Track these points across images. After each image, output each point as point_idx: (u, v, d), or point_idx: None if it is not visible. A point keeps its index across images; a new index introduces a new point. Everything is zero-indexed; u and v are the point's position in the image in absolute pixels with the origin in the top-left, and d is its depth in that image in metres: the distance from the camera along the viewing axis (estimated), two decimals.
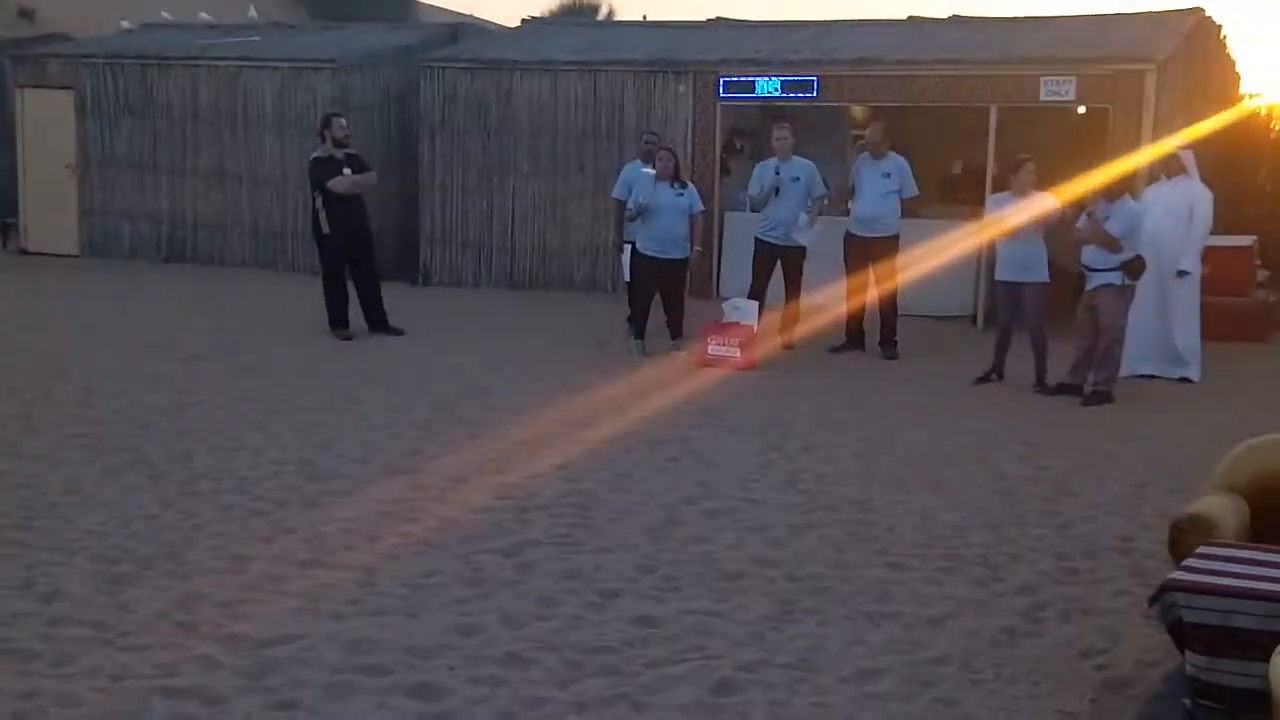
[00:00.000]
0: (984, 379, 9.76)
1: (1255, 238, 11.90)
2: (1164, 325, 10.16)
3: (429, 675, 4.39)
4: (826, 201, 11.22)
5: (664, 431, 8.03)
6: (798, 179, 10.78)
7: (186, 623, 4.79)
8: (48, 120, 16.37)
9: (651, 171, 10.59)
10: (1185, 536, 4.52)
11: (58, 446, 7.26)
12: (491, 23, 21.87)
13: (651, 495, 6.63)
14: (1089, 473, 7.26)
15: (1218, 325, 10.65)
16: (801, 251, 10.84)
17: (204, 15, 18.62)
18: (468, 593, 5.19)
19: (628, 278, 11.15)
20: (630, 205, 10.65)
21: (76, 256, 16.29)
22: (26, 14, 31.19)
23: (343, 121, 11.25)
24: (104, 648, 4.54)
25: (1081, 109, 12.84)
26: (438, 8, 37.19)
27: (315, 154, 11.20)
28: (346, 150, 11.16)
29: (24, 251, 16.55)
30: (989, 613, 5.17)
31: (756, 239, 11.10)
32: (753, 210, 11.21)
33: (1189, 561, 4.21)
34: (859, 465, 7.35)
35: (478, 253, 14.59)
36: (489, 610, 5.00)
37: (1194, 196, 10.15)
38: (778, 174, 10.71)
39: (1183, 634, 3.98)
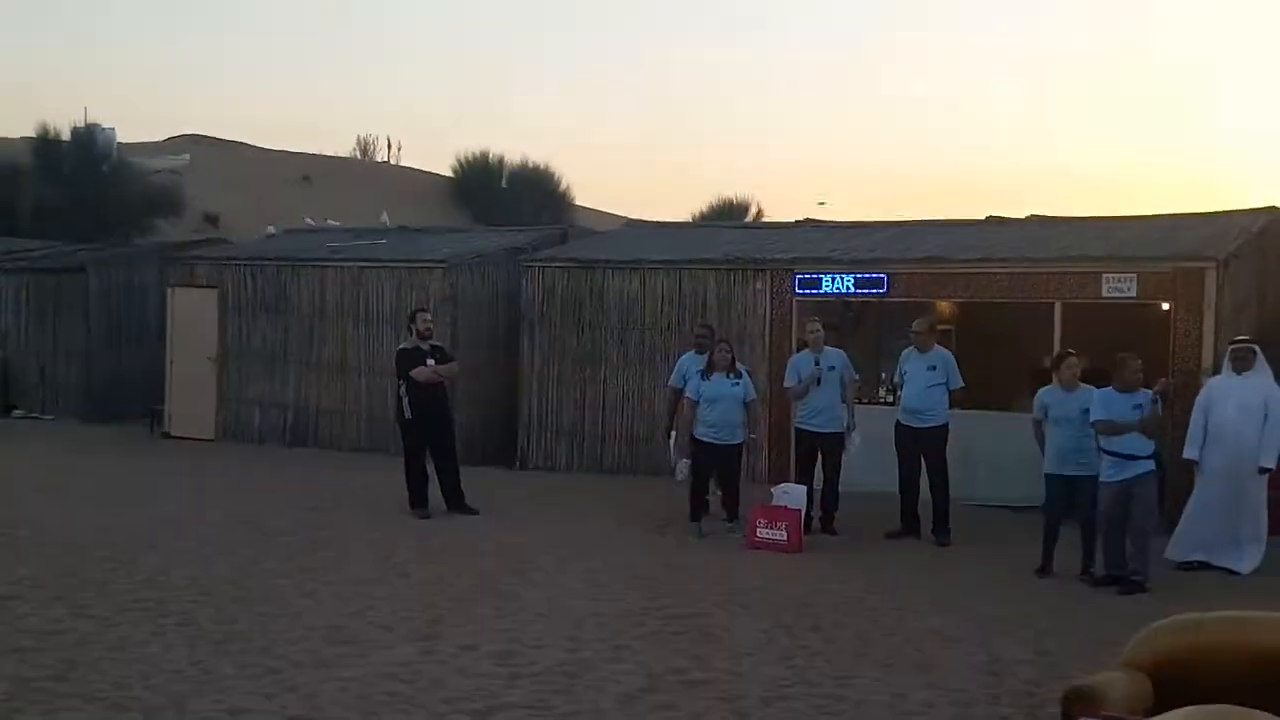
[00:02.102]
0: (1045, 571, 9.79)
1: None
2: (1230, 518, 10.15)
3: None
4: (859, 385, 11.78)
5: (684, 608, 8.39)
6: (833, 368, 11.26)
7: None
8: (193, 317, 17.86)
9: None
10: (1072, 707, 4.71)
11: (122, 609, 7.97)
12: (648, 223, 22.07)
13: (642, 665, 6.98)
14: (1087, 659, 7.28)
15: None
16: (840, 438, 11.23)
17: (331, 221, 20.15)
18: None
19: (678, 477, 11.52)
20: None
21: (212, 440, 17.49)
22: (211, 219, 34.02)
23: (427, 316, 12.15)
24: None
25: (1166, 305, 12.96)
26: (595, 210, 39.19)
27: (402, 345, 12.09)
28: (431, 342, 12.00)
29: (166, 435, 17.84)
30: None
31: (797, 428, 11.53)
32: (795, 399, 11.64)
33: None
34: (858, 644, 7.57)
35: (571, 439, 15.26)
36: None
37: (1267, 391, 10.21)
38: (817, 365, 11.18)
39: None
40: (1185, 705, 4.72)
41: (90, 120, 32.65)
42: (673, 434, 11.66)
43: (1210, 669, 4.83)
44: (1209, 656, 4.85)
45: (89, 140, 31.73)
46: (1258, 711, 3.40)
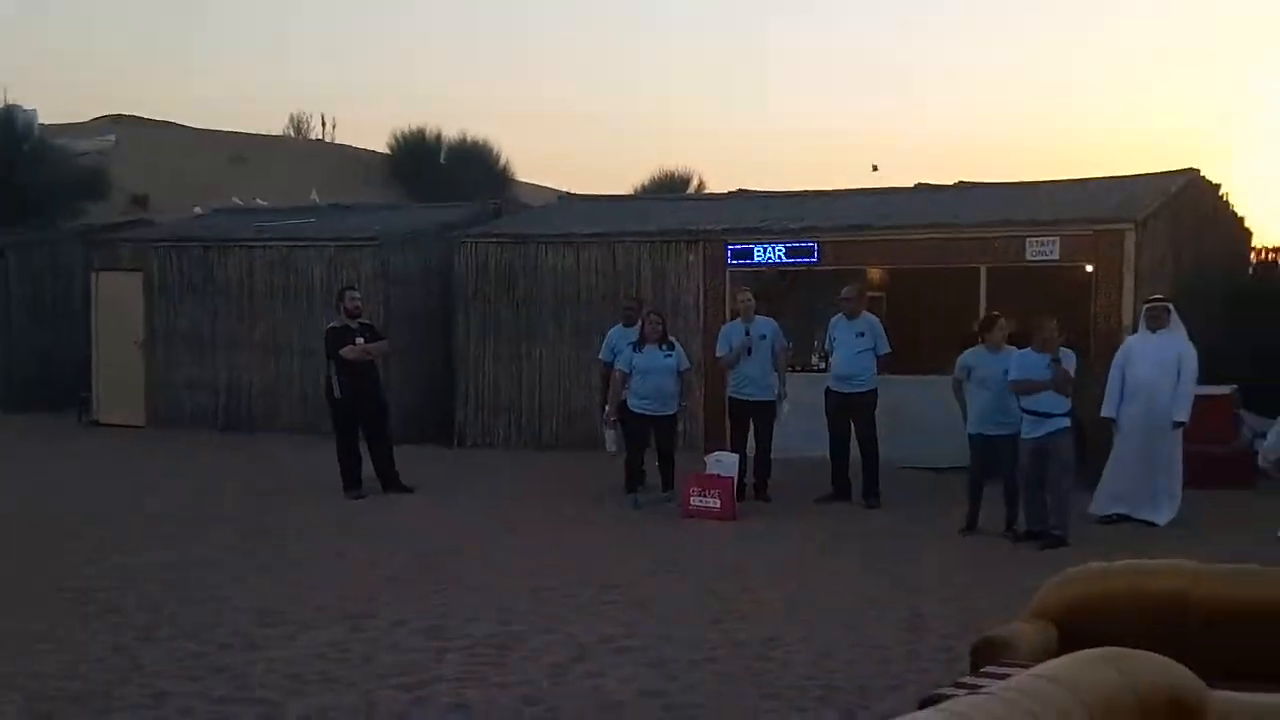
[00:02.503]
0: (971, 529, 9.95)
1: (1235, 387, 12.04)
2: (1146, 472, 10.37)
3: None
4: (791, 354, 11.82)
5: (617, 577, 8.47)
6: (764, 336, 11.34)
7: None
8: (119, 300, 17.61)
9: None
10: (981, 658, 4.83)
11: (46, 599, 7.91)
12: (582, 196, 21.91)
13: (574, 635, 7.04)
14: (1006, 612, 7.43)
15: (1199, 472, 10.78)
16: (771, 406, 11.34)
17: (259, 200, 19.98)
18: None
19: (612, 449, 11.64)
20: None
21: (142, 427, 17.27)
22: (139, 201, 33.47)
23: (355, 294, 12.09)
24: None
25: (1088, 267, 13.18)
26: (536, 185, 38.98)
27: (331, 324, 12.02)
28: (360, 320, 11.95)
29: (95, 423, 17.60)
30: None
31: (729, 397, 11.64)
32: (726, 368, 11.70)
33: (964, 678, 4.53)
34: (786, 606, 7.68)
35: (508, 415, 15.27)
36: None
37: (1181, 349, 10.42)
38: (747, 334, 11.26)
39: None
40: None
41: (10, 101, 31.95)
42: (607, 408, 11.72)
43: (1114, 616, 4.96)
44: (1113, 604, 4.98)
45: (9, 121, 31.04)
46: (1143, 652, 3.49)
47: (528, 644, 6.88)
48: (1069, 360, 9.58)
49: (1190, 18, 52.30)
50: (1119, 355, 10.56)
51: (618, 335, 11.86)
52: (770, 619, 7.39)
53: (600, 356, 12.14)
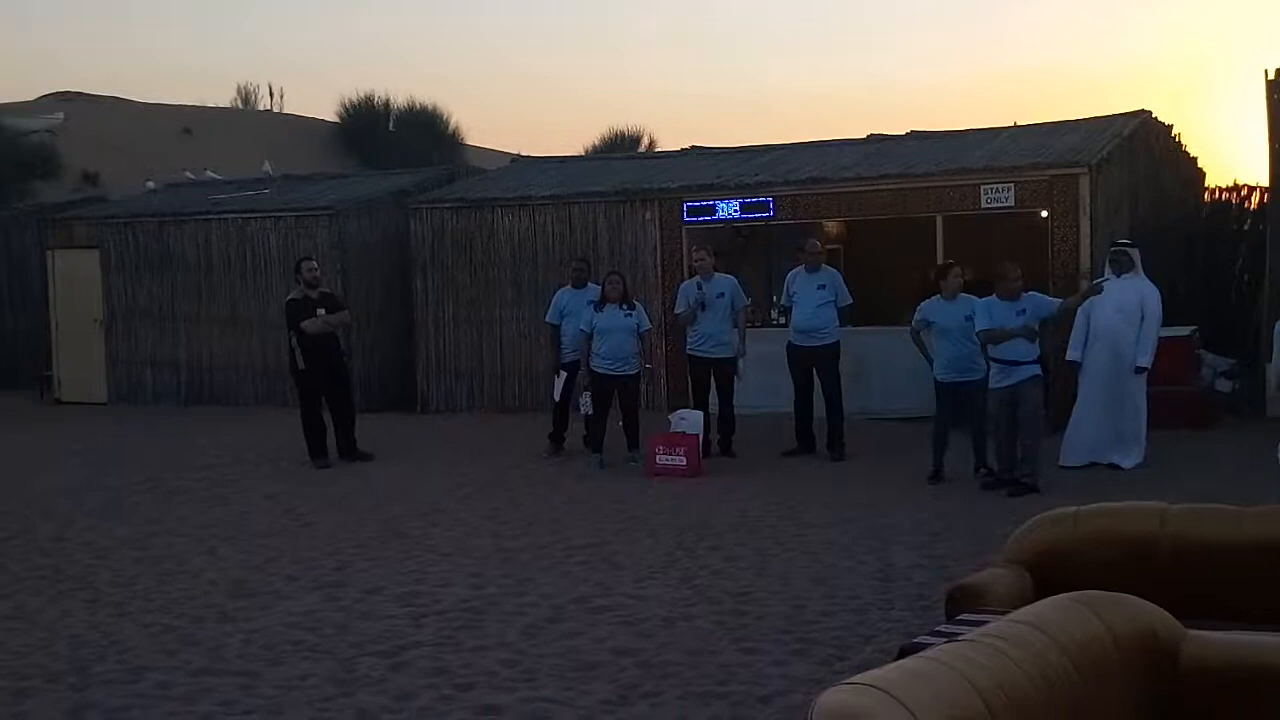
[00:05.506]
0: (938, 478, 10.03)
1: (1195, 328, 12.19)
2: (1112, 416, 10.48)
3: None
4: (750, 310, 11.97)
5: (586, 537, 8.50)
6: (722, 294, 11.35)
7: None
8: (76, 278, 17.42)
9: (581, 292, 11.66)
10: (956, 605, 4.89)
11: (19, 578, 7.87)
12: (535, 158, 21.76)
13: (547, 596, 7.08)
14: (977, 559, 7.55)
15: (1163, 414, 10.91)
16: (732, 363, 11.37)
17: (211, 173, 19.75)
18: (334, 691, 5.65)
19: (556, 398, 11.72)
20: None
21: (105, 404, 17.14)
22: (90, 178, 32.94)
23: (312, 264, 12.00)
24: None
25: (1044, 213, 13.24)
26: (490, 150, 38.70)
27: (290, 296, 11.94)
28: (320, 290, 11.87)
29: (58, 401, 17.47)
30: (821, 689, 5.51)
31: (688, 354, 11.66)
32: (684, 325, 11.73)
33: (940, 626, 4.58)
34: (757, 560, 7.74)
35: (470, 379, 15.25)
36: (346, 706, 5.45)
37: (1144, 293, 10.51)
38: (700, 290, 11.27)
39: None
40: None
41: None
42: (561, 373, 11.74)
43: (1086, 559, 5.03)
44: (1084, 547, 5.05)
45: None
46: (1118, 594, 3.56)
47: (501, 607, 6.91)
48: (1041, 303, 9.64)
49: None
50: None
51: (567, 297, 11.87)
52: (742, 574, 7.45)
53: (547, 319, 12.15)
